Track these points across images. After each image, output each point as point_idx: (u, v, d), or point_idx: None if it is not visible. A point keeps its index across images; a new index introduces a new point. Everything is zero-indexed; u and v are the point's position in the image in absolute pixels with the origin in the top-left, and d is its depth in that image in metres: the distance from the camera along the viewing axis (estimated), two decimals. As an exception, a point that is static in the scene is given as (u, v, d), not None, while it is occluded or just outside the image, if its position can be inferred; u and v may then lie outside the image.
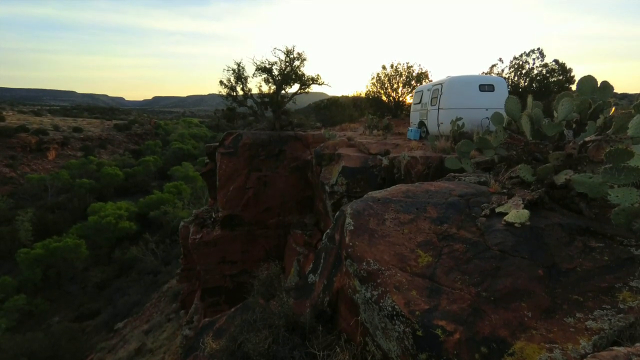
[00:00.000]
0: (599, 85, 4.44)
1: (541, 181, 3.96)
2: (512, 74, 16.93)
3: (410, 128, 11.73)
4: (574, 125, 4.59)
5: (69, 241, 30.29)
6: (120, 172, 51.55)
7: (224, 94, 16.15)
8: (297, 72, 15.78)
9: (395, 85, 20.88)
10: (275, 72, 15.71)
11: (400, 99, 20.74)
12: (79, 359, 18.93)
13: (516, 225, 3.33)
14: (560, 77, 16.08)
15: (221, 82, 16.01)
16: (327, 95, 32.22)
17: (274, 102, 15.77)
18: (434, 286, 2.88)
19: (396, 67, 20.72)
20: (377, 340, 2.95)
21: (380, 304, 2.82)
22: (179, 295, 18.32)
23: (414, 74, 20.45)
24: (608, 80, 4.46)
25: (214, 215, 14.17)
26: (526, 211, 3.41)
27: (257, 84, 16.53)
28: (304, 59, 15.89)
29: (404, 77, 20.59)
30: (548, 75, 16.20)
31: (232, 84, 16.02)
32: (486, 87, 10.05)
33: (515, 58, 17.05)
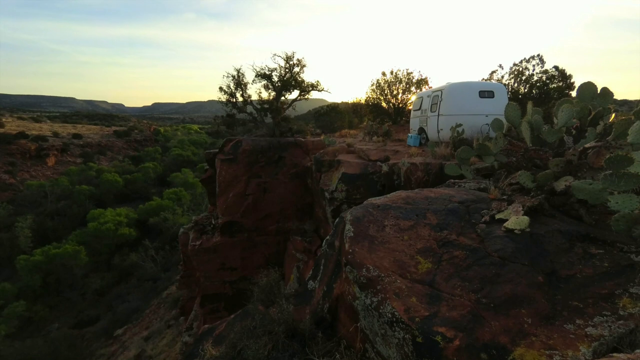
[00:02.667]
0: (598, 92, 4.45)
1: (541, 188, 3.96)
2: (512, 80, 16.98)
3: (410, 134, 11.75)
4: (573, 132, 4.60)
5: (68, 248, 30.23)
6: (120, 178, 51.52)
7: (224, 100, 16.20)
8: (296, 79, 15.86)
9: (395, 92, 20.95)
10: (275, 79, 15.79)
11: (400, 105, 20.80)
12: (78, 366, 18.85)
13: (516, 231, 3.33)
14: (560, 84, 16.13)
15: (221, 89, 16.09)
16: (327, 101, 32.44)
17: (273, 108, 15.82)
18: (434, 293, 2.88)
19: (396, 73, 20.80)
20: (376, 346, 2.94)
21: (380, 311, 2.81)
22: (179, 302, 18.25)
23: (413, 80, 20.53)
24: (608, 87, 4.48)
25: (213, 222, 14.14)
26: (526, 217, 3.40)
27: (256, 91, 16.61)
28: (304, 66, 15.99)
29: (404, 84, 20.67)
30: (548, 81, 16.25)
31: (231, 91, 16.09)
32: (486, 94, 10.09)
33: (515, 64, 17.12)
